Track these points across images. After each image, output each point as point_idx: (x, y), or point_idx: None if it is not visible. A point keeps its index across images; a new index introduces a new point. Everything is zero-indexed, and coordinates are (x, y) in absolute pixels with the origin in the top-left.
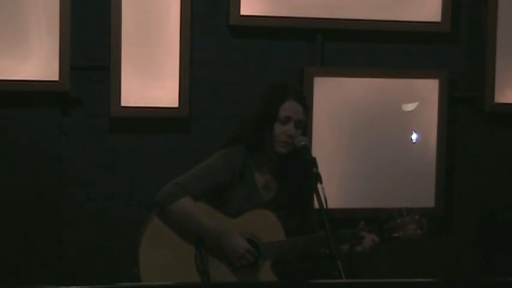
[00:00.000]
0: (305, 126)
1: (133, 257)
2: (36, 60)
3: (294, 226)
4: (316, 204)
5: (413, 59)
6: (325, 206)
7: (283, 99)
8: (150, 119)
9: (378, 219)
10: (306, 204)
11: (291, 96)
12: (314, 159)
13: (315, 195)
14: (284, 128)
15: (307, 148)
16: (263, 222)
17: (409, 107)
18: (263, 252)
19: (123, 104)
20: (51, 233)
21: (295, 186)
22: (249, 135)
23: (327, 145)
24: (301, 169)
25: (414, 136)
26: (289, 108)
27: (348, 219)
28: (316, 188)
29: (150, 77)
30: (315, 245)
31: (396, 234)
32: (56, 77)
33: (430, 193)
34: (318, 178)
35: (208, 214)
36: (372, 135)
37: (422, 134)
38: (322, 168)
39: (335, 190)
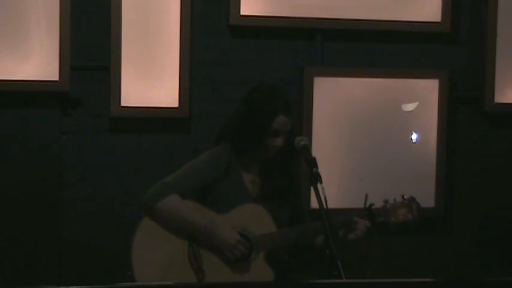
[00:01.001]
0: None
1: (126, 259)
2: (36, 60)
3: (285, 219)
4: (316, 204)
5: (413, 59)
6: (325, 206)
7: (274, 113)
8: (150, 119)
9: (365, 204)
10: (295, 196)
11: (281, 109)
12: (314, 159)
13: (314, 195)
14: (272, 140)
15: (307, 148)
16: (253, 216)
17: (409, 107)
18: (255, 245)
19: (123, 104)
20: (51, 233)
21: (282, 179)
22: (234, 140)
23: (327, 145)
24: (287, 161)
25: (414, 136)
26: (279, 122)
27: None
28: (316, 188)
29: (150, 77)
30: (307, 235)
31: (387, 219)
32: (56, 77)
33: (430, 193)
34: (318, 178)
35: (198, 211)
36: (372, 135)
37: (422, 134)
38: (322, 168)
39: (335, 190)
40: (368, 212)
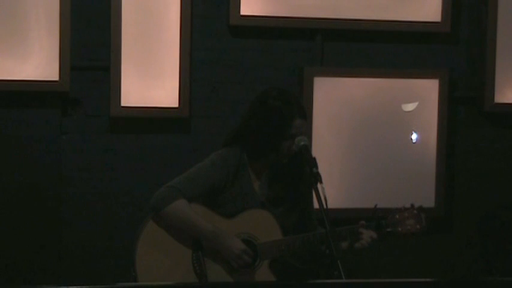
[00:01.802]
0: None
1: (130, 260)
2: (36, 60)
3: (292, 225)
4: (316, 204)
5: (413, 59)
6: (325, 206)
7: (291, 118)
8: (150, 119)
9: (375, 215)
10: (303, 202)
11: (297, 113)
12: (314, 159)
13: (314, 195)
14: (289, 144)
15: (307, 148)
16: (259, 222)
17: (409, 107)
18: (260, 252)
19: (123, 104)
20: (51, 233)
21: (290, 185)
22: (249, 145)
23: (327, 145)
24: (296, 168)
25: (414, 136)
26: (296, 126)
27: (348, 219)
28: (316, 187)
29: (150, 77)
30: (313, 243)
31: (394, 230)
32: (56, 77)
33: (430, 193)
34: (318, 178)
35: (204, 215)
36: (372, 135)
37: (422, 134)
38: (322, 168)
39: (335, 190)
40: (376, 222)
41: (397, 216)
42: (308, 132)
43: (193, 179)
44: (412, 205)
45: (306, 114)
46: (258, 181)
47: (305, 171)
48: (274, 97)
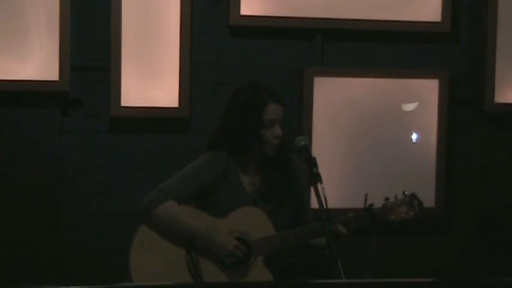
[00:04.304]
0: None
1: (126, 260)
2: (36, 60)
3: (285, 220)
4: (316, 204)
5: (413, 59)
6: (325, 206)
7: (264, 104)
8: (150, 119)
9: (366, 204)
10: (295, 196)
11: (269, 98)
12: (314, 159)
13: (314, 195)
14: (271, 131)
15: (307, 148)
16: (251, 220)
17: (409, 107)
18: (254, 249)
19: (123, 104)
20: (51, 233)
21: (281, 180)
22: (232, 142)
23: (327, 145)
24: (286, 163)
25: (414, 136)
26: (272, 111)
27: None
28: (316, 187)
29: (150, 77)
30: (306, 237)
31: (388, 218)
32: (56, 77)
33: (430, 193)
34: (318, 178)
35: (195, 216)
36: (372, 135)
37: (422, 134)
38: (322, 168)
39: (335, 190)
40: (368, 211)
41: (389, 205)
42: (308, 132)
43: (183, 180)
44: (404, 193)
45: (280, 100)
46: (248, 178)
47: (295, 163)
48: (243, 90)
